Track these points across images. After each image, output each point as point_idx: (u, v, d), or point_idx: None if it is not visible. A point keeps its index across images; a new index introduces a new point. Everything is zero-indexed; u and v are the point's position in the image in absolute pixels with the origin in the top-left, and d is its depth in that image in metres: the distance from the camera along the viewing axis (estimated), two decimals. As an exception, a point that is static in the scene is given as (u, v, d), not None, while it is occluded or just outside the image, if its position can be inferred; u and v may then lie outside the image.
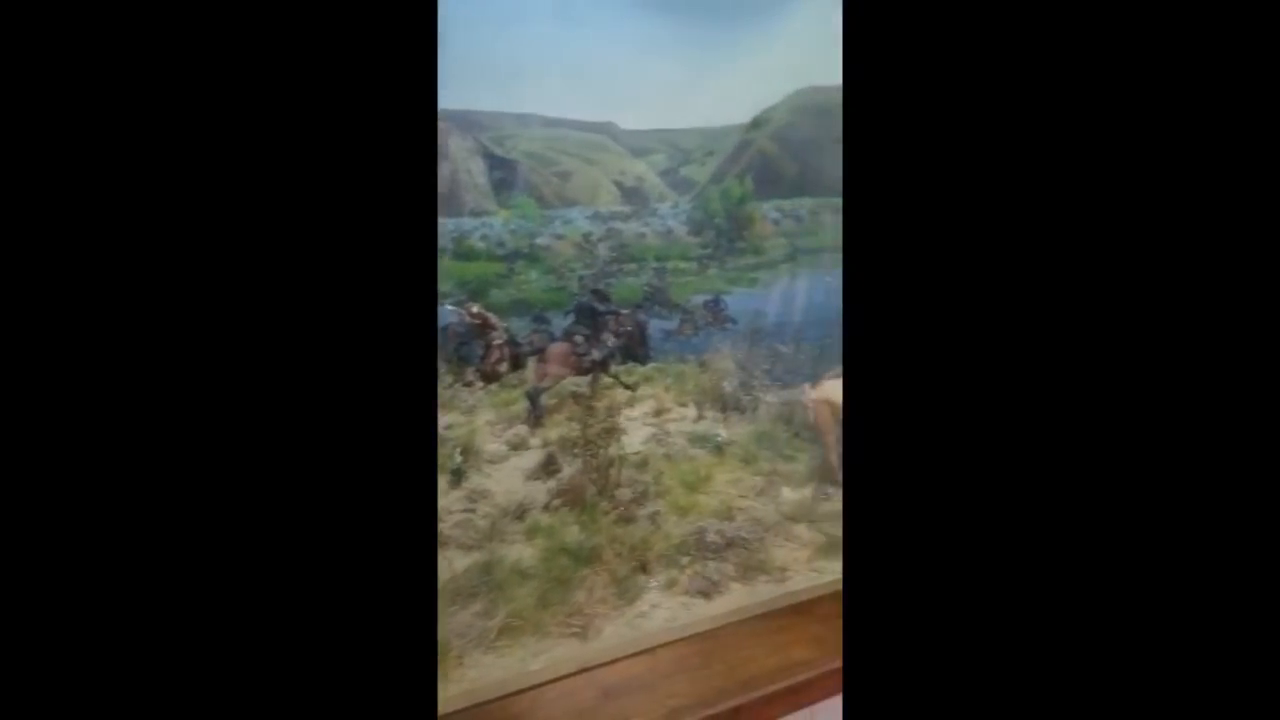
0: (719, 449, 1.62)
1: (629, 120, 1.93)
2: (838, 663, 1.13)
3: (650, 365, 1.88)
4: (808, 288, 2.01)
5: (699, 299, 1.94)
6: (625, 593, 1.19)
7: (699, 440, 1.64)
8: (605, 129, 1.95)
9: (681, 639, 1.15)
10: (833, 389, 1.58)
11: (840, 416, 1.56)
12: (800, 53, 1.84)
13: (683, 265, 1.97)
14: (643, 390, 1.85)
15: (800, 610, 1.25)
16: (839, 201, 2.04)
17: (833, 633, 1.20)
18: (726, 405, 1.78)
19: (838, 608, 1.26)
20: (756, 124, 1.95)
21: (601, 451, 1.37)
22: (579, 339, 1.68)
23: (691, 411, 1.80)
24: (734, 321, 1.94)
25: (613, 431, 1.38)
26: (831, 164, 2.01)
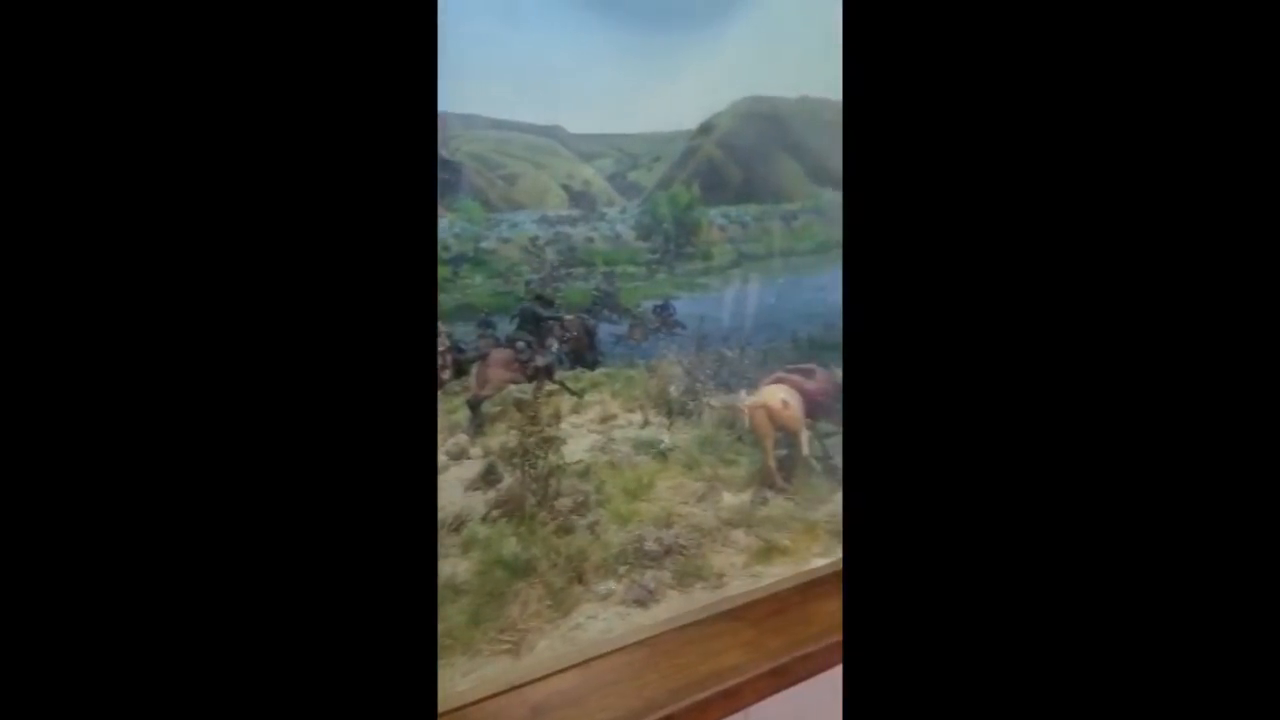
0: (663, 455, 1.63)
1: (577, 124, 1.92)
2: (770, 665, 1.15)
3: (599, 371, 1.88)
4: (756, 293, 2.03)
5: (648, 304, 1.95)
6: (560, 605, 1.19)
7: (643, 446, 1.65)
8: (553, 132, 1.93)
9: (616, 650, 1.15)
10: (770, 394, 1.60)
11: (779, 421, 1.58)
12: (747, 60, 1.86)
13: (631, 270, 1.98)
14: (590, 396, 1.85)
15: (735, 615, 1.27)
16: (784, 208, 2.07)
17: (766, 636, 1.22)
18: (672, 410, 1.79)
19: (771, 610, 1.29)
20: (703, 130, 1.96)
21: (541, 460, 1.36)
22: (522, 345, 1.67)
23: (638, 417, 1.80)
24: (683, 326, 1.95)
25: (552, 440, 1.37)
26: (776, 171, 2.04)
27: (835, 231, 1.96)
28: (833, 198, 2.01)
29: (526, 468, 1.35)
